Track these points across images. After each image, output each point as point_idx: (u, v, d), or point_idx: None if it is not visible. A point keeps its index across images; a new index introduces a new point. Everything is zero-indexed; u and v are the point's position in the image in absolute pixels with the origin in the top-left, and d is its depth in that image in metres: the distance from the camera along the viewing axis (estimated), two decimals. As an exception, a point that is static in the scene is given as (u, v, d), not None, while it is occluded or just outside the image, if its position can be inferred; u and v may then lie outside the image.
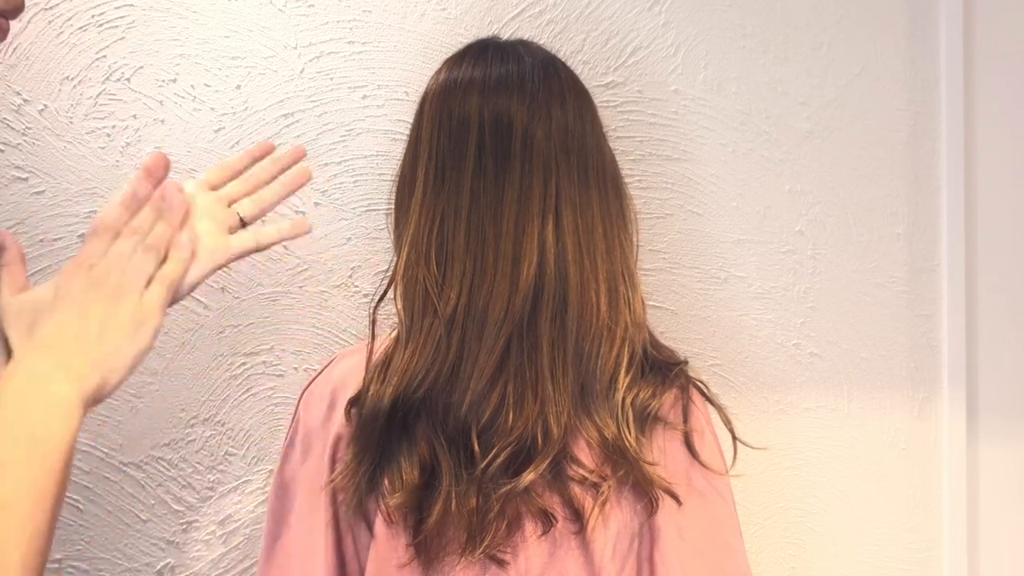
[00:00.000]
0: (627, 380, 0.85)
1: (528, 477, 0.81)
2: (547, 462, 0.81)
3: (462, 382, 0.84)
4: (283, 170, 0.85)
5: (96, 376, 0.69)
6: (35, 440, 0.65)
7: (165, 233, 0.74)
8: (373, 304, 0.93)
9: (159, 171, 0.76)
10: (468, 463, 0.83)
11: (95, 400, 0.69)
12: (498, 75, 0.88)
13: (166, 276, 0.74)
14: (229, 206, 0.82)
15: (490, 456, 0.82)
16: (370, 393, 0.86)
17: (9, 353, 0.71)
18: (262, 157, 0.86)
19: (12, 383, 0.67)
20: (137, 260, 0.73)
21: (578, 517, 0.82)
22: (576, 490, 0.82)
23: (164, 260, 0.74)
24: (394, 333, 0.90)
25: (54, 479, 0.65)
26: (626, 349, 0.86)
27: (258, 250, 0.81)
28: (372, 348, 0.90)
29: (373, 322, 0.91)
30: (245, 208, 0.82)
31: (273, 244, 0.83)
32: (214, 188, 0.83)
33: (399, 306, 0.89)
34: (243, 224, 0.82)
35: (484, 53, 0.91)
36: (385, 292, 0.93)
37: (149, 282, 0.73)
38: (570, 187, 0.86)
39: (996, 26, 1.28)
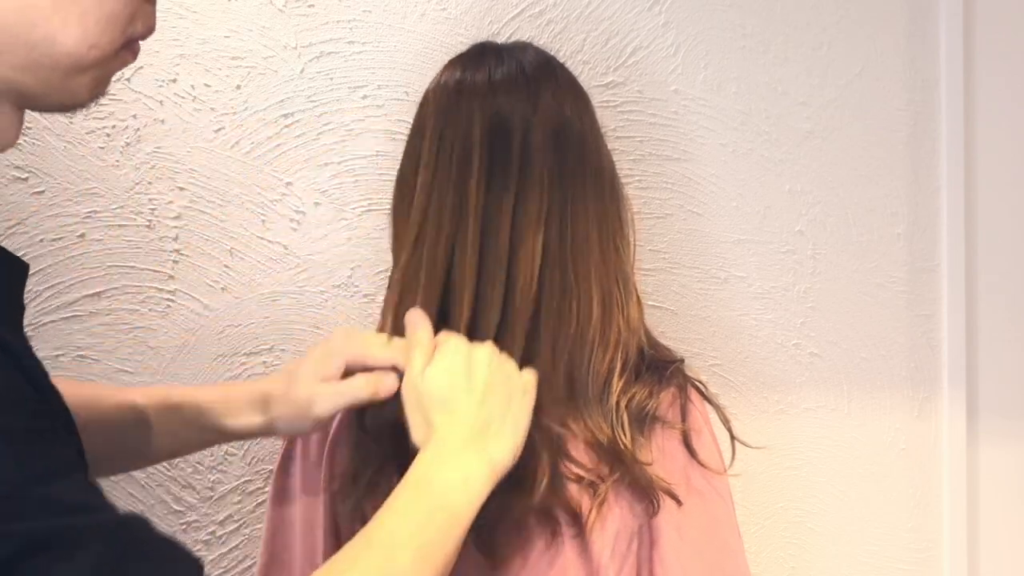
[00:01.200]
0: (620, 384, 0.85)
1: (527, 479, 0.81)
2: (545, 464, 0.81)
3: None
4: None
5: (508, 459, 0.76)
6: (453, 517, 0.71)
7: None
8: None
9: None
10: None
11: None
12: (498, 77, 0.88)
13: None
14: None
15: None
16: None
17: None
18: None
19: (440, 464, 0.74)
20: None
21: (576, 518, 0.82)
22: (574, 490, 0.82)
23: None
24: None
25: (456, 552, 0.71)
26: (619, 354, 0.86)
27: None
28: None
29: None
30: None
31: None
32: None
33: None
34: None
35: (483, 55, 0.91)
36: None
37: None
38: (568, 190, 0.86)
39: (996, 26, 1.28)
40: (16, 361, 0.55)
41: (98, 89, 0.62)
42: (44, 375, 0.58)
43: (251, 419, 0.87)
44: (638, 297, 0.91)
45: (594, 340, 0.85)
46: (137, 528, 0.57)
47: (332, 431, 0.89)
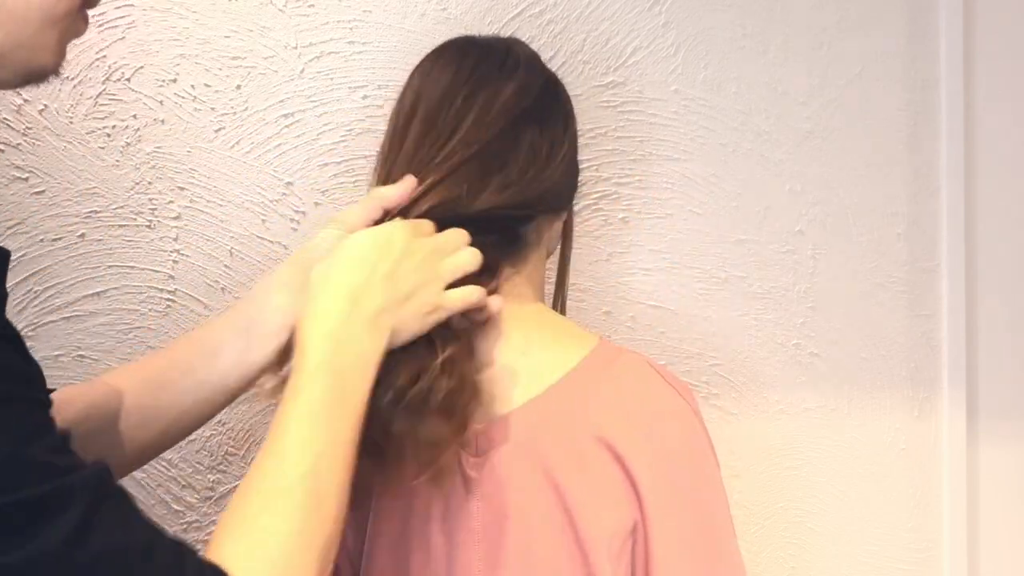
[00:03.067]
0: None
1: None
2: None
3: None
4: None
5: (388, 339, 0.74)
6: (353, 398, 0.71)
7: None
8: None
9: None
10: None
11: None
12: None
13: (470, 293, 0.79)
14: None
15: None
16: None
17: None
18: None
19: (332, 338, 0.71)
20: (457, 257, 0.79)
21: (570, 513, 0.82)
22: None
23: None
24: None
25: (359, 426, 0.70)
26: None
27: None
28: None
29: None
30: None
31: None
32: None
33: None
34: None
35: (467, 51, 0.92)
36: None
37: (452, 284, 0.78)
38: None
39: (996, 26, 1.28)
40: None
41: (60, 55, 0.63)
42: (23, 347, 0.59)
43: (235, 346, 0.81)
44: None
45: None
46: (112, 485, 0.59)
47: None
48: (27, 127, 1.05)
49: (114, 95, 1.07)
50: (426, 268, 0.76)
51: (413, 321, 0.76)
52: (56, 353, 1.05)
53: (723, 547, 0.84)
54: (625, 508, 0.81)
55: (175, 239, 1.08)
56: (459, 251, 0.79)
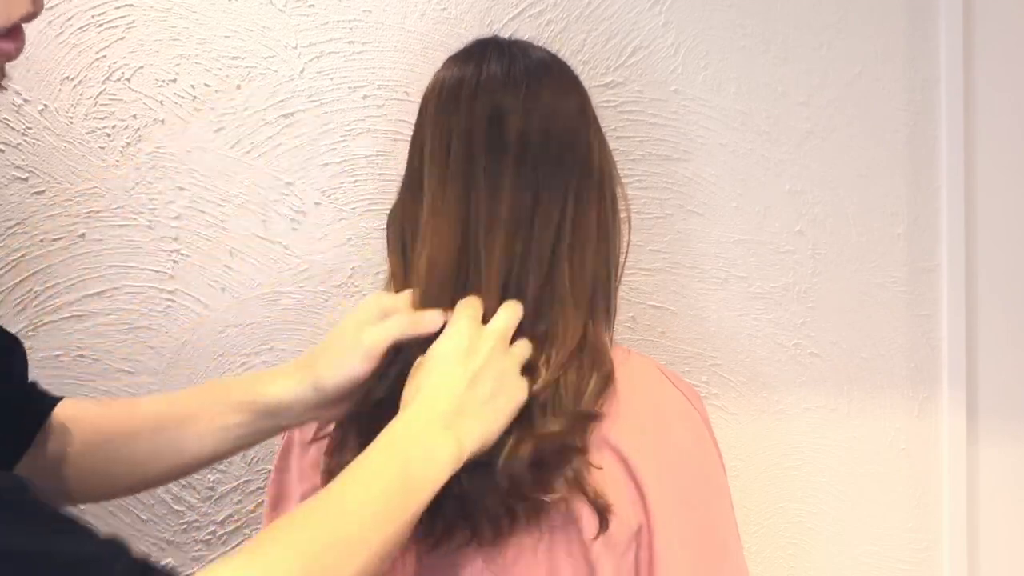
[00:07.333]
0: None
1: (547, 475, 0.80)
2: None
3: None
4: None
5: (476, 446, 0.75)
6: (410, 491, 0.70)
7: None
8: None
9: None
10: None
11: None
12: (497, 74, 0.88)
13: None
14: None
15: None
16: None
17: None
18: None
19: (409, 435, 0.73)
20: (518, 350, 0.82)
21: (573, 518, 0.82)
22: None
23: None
24: None
25: (411, 524, 0.70)
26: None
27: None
28: None
29: None
30: None
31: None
32: None
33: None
34: None
35: (484, 52, 0.91)
36: None
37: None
38: (566, 188, 0.86)
39: (996, 26, 1.28)
40: None
41: None
42: None
43: (293, 381, 0.83)
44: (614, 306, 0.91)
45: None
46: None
47: (332, 434, 0.89)
48: (27, 127, 1.05)
49: (114, 95, 1.07)
50: (504, 380, 0.79)
51: (497, 420, 0.77)
52: (56, 353, 1.05)
53: (727, 553, 0.84)
54: (630, 511, 0.81)
55: (175, 239, 1.08)
56: (518, 345, 0.82)
